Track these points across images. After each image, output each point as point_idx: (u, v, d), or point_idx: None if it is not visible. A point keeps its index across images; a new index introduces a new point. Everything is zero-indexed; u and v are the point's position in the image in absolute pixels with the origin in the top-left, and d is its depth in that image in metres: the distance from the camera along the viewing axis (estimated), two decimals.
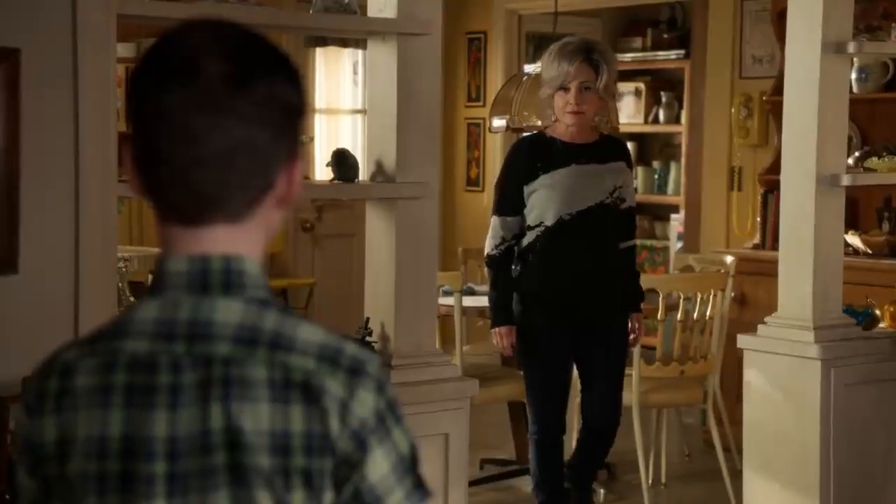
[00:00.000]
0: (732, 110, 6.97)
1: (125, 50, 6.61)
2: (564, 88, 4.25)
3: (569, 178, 4.28)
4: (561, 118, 4.30)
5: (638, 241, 4.76)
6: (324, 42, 7.71)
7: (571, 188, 4.28)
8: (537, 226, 4.30)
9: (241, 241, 1.35)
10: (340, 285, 7.88)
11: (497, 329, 4.37)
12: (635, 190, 4.63)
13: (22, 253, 2.79)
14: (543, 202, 4.28)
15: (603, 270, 4.35)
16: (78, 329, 2.83)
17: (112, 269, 2.92)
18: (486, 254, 4.42)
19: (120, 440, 1.31)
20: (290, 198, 1.38)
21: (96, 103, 2.80)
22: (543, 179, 4.28)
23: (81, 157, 2.81)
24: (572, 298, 4.34)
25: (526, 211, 4.32)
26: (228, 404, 1.30)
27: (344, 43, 7.69)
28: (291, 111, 1.36)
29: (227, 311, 1.32)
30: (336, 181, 3.37)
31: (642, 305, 4.58)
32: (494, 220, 4.38)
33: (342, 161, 3.35)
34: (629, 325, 4.47)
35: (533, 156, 4.31)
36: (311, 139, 7.43)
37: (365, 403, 1.33)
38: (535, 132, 4.55)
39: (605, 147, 4.39)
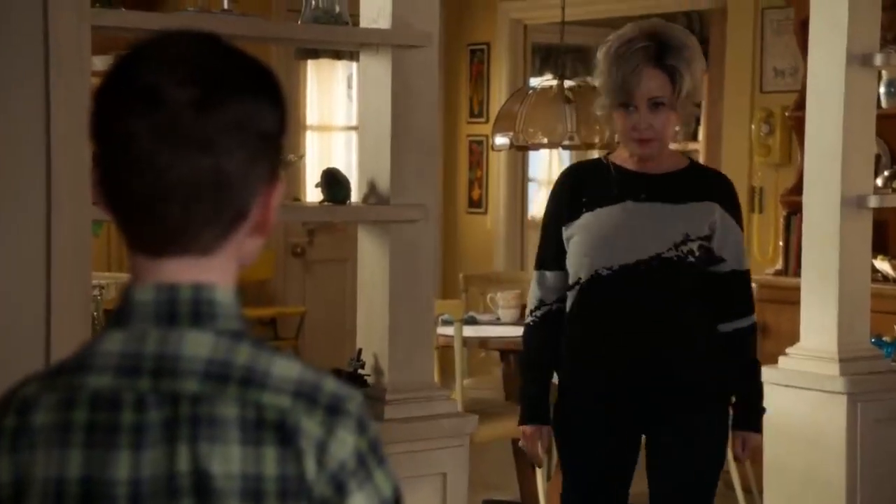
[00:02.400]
0: (753, 126, 6.99)
1: (102, 63, 6.63)
2: (626, 105, 3.20)
3: (614, 218, 3.24)
4: (625, 144, 3.28)
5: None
6: (315, 54, 7.75)
7: (614, 232, 3.23)
8: (575, 284, 3.29)
9: (213, 270, 1.36)
10: (333, 314, 7.88)
11: (522, 428, 3.37)
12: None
13: None
14: (577, 250, 3.27)
15: (662, 355, 3.23)
16: (49, 360, 2.83)
17: (86, 297, 2.92)
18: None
19: (79, 482, 1.31)
20: (266, 226, 1.38)
21: (69, 120, 2.80)
22: (584, 219, 3.27)
23: (53, 178, 2.81)
24: (615, 392, 3.28)
25: (567, 263, 3.31)
26: (196, 446, 1.30)
27: (337, 55, 7.73)
28: (268, 134, 1.35)
29: (197, 345, 1.32)
30: (326, 203, 3.37)
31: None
32: (533, 277, 3.42)
33: (332, 181, 3.35)
34: (730, 442, 3.34)
35: (578, 188, 3.30)
36: (301, 157, 7.45)
37: (344, 444, 1.32)
38: (596, 157, 3.45)
39: (690, 180, 3.29)
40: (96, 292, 3.09)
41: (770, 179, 6.89)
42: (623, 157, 3.31)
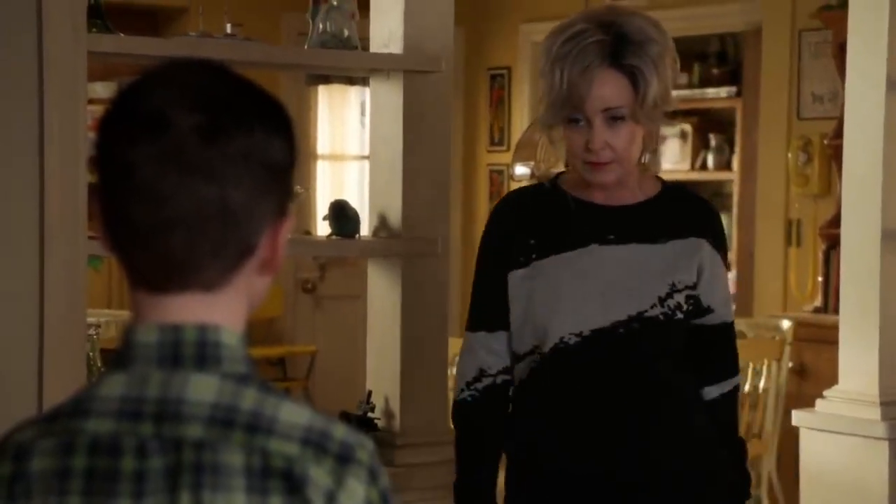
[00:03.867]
0: (790, 155, 7.00)
1: (105, 89, 6.70)
2: (576, 120, 2.56)
3: (578, 267, 2.61)
4: (577, 167, 2.62)
5: None
6: (327, 79, 7.79)
7: (580, 286, 2.60)
8: (528, 353, 2.65)
9: (218, 308, 1.38)
10: (346, 353, 7.90)
11: None
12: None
13: None
14: (531, 311, 2.62)
15: (655, 443, 2.63)
16: (42, 403, 2.85)
17: (81, 337, 2.95)
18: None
19: None
20: (274, 263, 1.40)
21: (64, 151, 2.83)
22: (536, 269, 2.62)
23: (47, 212, 2.84)
24: (589, 495, 2.64)
25: (511, 322, 2.66)
26: (200, 494, 1.32)
27: (350, 80, 7.77)
28: (276, 166, 1.38)
29: (201, 388, 1.34)
30: (334, 236, 3.40)
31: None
32: (465, 339, 2.74)
33: (340, 214, 3.39)
34: None
35: (524, 224, 2.66)
36: (305, 190, 7.49)
37: (354, 495, 1.34)
38: (541, 182, 2.80)
39: (668, 210, 2.68)
40: (92, 331, 3.11)
41: (808, 211, 6.89)
42: (578, 184, 2.66)
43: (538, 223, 2.66)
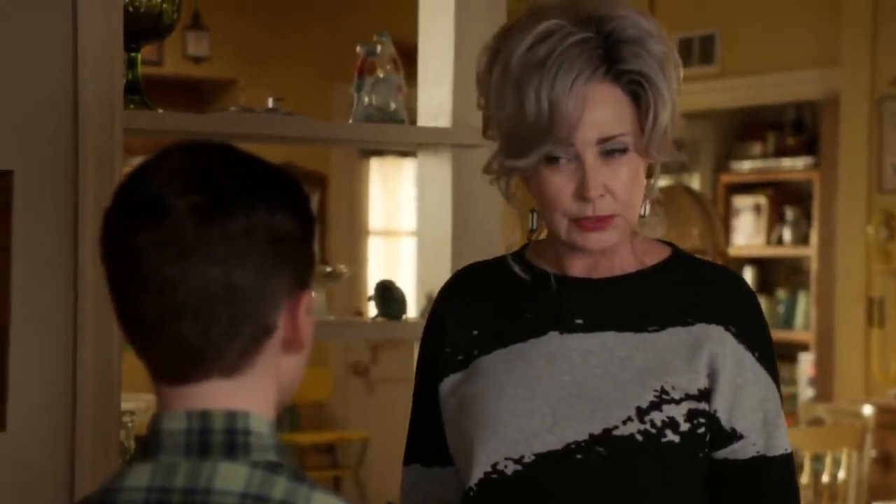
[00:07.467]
0: (870, 230, 6.98)
1: None
2: (553, 159, 1.87)
3: (528, 366, 1.94)
4: (556, 228, 1.92)
5: None
6: (380, 152, 7.87)
7: (527, 395, 1.93)
8: (467, 490, 1.97)
9: (244, 394, 1.41)
10: (400, 440, 7.87)
11: None
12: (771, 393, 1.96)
13: (10, 407, 2.86)
14: (460, 429, 1.98)
15: None
16: (73, 494, 2.89)
17: (115, 424, 2.99)
18: None
19: None
20: (299, 341, 1.43)
21: (98, 233, 2.89)
22: (473, 370, 1.99)
23: (81, 294, 2.88)
24: None
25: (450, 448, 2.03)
26: None
27: (403, 152, 7.85)
28: (284, 240, 1.40)
29: (230, 478, 1.37)
30: (379, 318, 3.44)
31: None
32: (402, 476, 2.18)
33: (386, 295, 3.43)
34: None
35: (468, 310, 2.03)
36: (349, 270, 7.52)
37: None
38: (504, 255, 2.04)
39: (669, 285, 1.97)
40: (127, 418, 3.16)
41: (890, 289, 6.87)
42: (546, 250, 1.99)
43: (488, 307, 2.01)
